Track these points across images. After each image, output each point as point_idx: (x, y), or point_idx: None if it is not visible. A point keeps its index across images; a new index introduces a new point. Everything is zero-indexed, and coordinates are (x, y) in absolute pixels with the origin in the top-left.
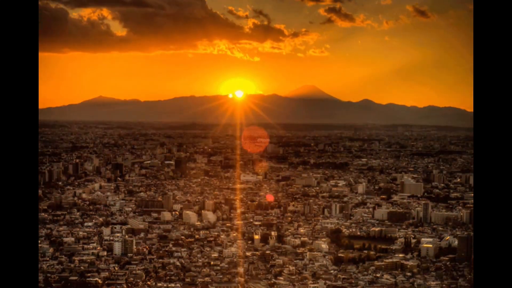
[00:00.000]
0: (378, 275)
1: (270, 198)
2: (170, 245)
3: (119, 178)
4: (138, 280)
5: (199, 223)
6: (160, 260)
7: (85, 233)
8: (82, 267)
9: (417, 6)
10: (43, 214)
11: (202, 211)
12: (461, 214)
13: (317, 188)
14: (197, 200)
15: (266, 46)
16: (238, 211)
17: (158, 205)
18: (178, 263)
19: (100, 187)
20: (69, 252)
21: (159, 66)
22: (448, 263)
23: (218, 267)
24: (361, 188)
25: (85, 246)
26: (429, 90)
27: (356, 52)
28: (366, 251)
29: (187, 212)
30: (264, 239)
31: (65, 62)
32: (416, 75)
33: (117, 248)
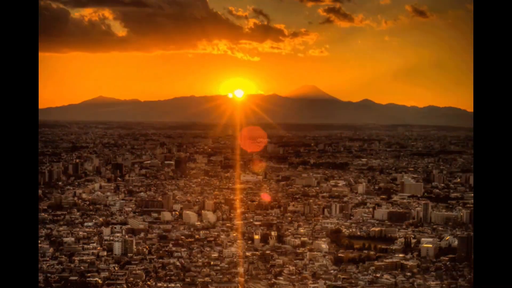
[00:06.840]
0: (378, 275)
1: (265, 197)
2: (170, 245)
3: (119, 178)
4: (138, 280)
5: (199, 223)
6: (160, 260)
7: (85, 233)
8: (82, 267)
9: (416, 6)
10: (43, 214)
11: (202, 211)
12: (461, 214)
13: (317, 188)
14: (197, 200)
15: (266, 46)
16: (238, 211)
17: (158, 205)
18: (178, 263)
19: (100, 187)
20: (69, 252)
21: (159, 66)
22: (448, 263)
23: (218, 267)
24: (361, 188)
25: (85, 246)
26: (429, 90)
27: (356, 52)
28: (366, 251)
29: (187, 212)
30: (264, 239)
31: (65, 62)
32: (416, 75)
33: (117, 248)
